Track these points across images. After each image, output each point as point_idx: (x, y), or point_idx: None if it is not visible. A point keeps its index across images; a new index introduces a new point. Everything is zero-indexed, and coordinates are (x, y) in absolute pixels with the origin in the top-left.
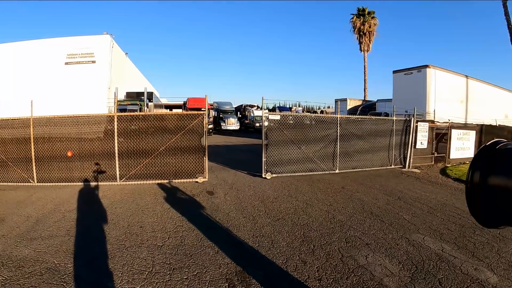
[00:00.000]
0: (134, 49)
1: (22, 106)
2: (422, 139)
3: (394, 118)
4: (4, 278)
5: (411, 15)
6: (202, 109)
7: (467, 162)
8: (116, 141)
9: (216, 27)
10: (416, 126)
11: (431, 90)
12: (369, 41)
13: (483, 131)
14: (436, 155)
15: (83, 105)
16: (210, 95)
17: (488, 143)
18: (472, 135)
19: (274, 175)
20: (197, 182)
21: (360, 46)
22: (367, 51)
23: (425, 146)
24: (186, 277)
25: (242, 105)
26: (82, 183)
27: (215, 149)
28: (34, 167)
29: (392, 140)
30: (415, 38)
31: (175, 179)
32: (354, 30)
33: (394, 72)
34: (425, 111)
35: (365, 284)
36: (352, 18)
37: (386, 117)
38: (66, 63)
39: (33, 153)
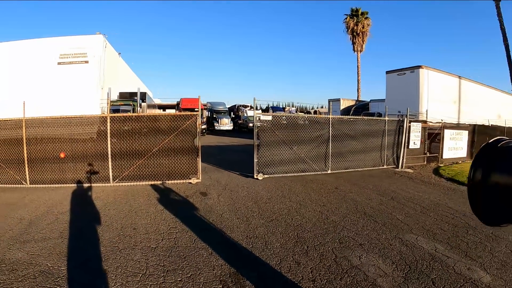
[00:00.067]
0: (130, 49)
1: (15, 107)
2: (415, 139)
3: (387, 118)
4: None
5: (404, 16)
6: (196, 109)
7: (460, 162)
8: (109, 142)
9: (215, 27)
10: (409, 126)
11: (424, 90)
12: (363, 42)
13: (476, 131)
14: (429, 155)
15: (76, 105)
16: (208, 95)
17: (490, 141)
18: (464, 135)
19: (266, 176)
20: (190, 183)
21: (354, 47)
22: (360, 51)
23: (418, 146)
24: (180, 279)
25: (235, 105)
26: (75, 185)
27: (208, 149)
28: (26, 169)
29: (385, 140)
30: (408, 38)
31: (168, 180)
32: (348, 31)
33: (387, 72)
34: (418, 111)
35: (359, 284)
36: (346, 18)
37: (378, 118)
38: (59, 63)
39: (25, 155)
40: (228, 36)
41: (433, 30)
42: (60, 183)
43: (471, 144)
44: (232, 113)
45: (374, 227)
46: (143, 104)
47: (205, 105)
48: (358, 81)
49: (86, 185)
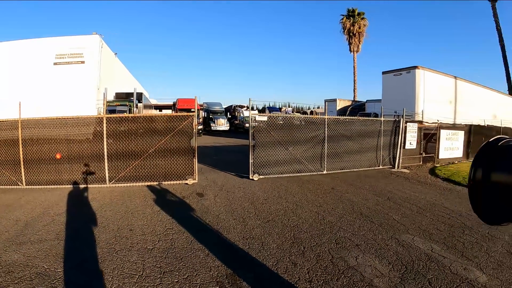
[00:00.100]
0: (128, 49)
1: (11, 107)
2: (411, 139)
3: (382, 119)
4: None
5: (400, 16)
6: (192, 109)
7: (456, 162)
8: (105, 143)
9: (214, 27)
10: (405, 126)
11: (420, 90)
12: (359, 42)
13: (472, 131)
14: (425, 155)
15: (72, 105)
16: (206, 95)
17: (490, 140)
18: (460, 135)
19: (261, 177)
20: (187, 184)
21: (350, 47)
22: (357, 51)
23: (414, 147)
24: (176, 280)
25: (232, 105)
26: (71, 186)
27: (204, 150)
28: (22, 170)
29: (381, 141)
30: (404, 39)
31: (164, 181)
32: (344, 31)
33: (384, 73)
34: (414, 111)
35: (356, 285)
36: (342, 19)
37: (374, 118)
38: (55, 63)
39: (21, 156)
40: (228, 36)
41: (430, 30)
42: (56, 184)
43: (467, 144)
44: (228, 113)
45: (370, 228)
46: (139, 104)
47: (202, 106)
48: (354, 82)
49: (82, 186)
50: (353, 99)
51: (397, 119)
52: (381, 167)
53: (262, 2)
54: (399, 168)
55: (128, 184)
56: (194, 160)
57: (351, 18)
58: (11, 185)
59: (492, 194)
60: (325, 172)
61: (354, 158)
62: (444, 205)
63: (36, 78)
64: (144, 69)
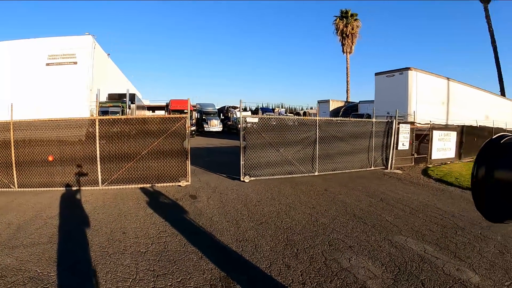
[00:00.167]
0: (121, 50)
1: (2, 108)
2: (404, 140)
3: (374, 120)
4: None
5: (393, 17)
6: (185, 111)
7: (449, 162)
8: (97, 145)
9: (208, 28)
10: (398, 127)
11: (412, 92)
12: (352, 43)
13: (464, 132)
14: (417, 156)
15: (64, 106)
16: (201, 96)
17: (494, 137)
18: (453, 136)
19: (252, 178)
20: (180, 186)
21: (343, 48)
22: (350, 53)
23: (407, 147)
24: (170, 283)
25: (225, 106)
26: (64, 188)
27: (197, 151)
28: (14, 172)
29: (373, 142)
30: (398, 40)
31: (157, 183)
32: (337, 32)
33: (376, 74)
34: (406, 112)
35: (349, 287)
36: (335, 20)
37: (366, 119)
38: (48, 64)
39: (13, 158)
40: (221, 37)
41: (424, 31)
42: (49, 187)
43: (460, 145)
44: (221, 114)
45: (363, 229)
46: (132, 105)
47: (195, 107)
48: (347, 83)
49: (75, 188)
50: (346, 100)
51: (390, 120)
52: (373, 168)
53: (255, 2)
54: (392, 169)
55: (121, 186)
56: (187, 162)
57: (344, 19)
58: (3, 187)
59: (495, 191)
60: (316, 173)
61: (346, 159)
62: (436, 206)
63: (28, 79)
64: (137, 69)
